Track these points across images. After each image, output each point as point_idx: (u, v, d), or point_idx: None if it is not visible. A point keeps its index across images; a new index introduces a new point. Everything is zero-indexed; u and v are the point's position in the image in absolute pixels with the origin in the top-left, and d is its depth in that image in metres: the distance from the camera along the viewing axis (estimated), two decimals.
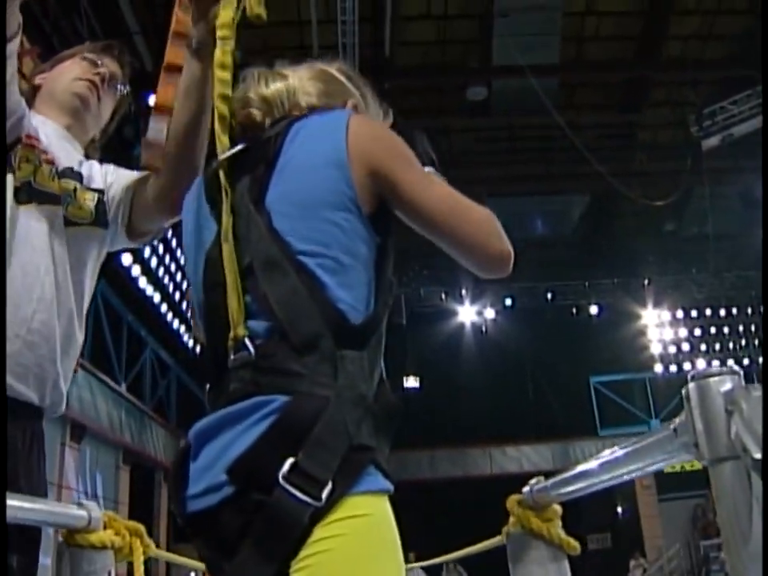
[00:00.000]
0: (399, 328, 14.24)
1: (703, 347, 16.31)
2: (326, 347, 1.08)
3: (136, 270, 9.72)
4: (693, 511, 15.63)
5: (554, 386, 16.09)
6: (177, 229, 1.41)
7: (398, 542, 1.08)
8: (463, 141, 13.64)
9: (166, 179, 1.55)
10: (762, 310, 15.81)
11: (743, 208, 13.64)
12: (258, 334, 1.12)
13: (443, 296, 15.78)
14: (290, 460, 1.01)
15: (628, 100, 13.39)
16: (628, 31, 12.21)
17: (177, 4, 1.52)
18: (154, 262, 10.13)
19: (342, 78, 1.39)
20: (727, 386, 0.86)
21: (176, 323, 11.46)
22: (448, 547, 4.86)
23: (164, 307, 10.80)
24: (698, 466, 0.91)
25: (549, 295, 15.92)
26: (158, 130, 1.37)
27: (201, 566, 1.20)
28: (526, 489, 1.63)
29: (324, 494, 1.00)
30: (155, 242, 9.27)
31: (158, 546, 2.10)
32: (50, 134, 1.69)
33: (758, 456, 0.77)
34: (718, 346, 16.31)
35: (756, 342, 16.16)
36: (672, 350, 16.27)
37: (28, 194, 1.57)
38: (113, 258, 2.13)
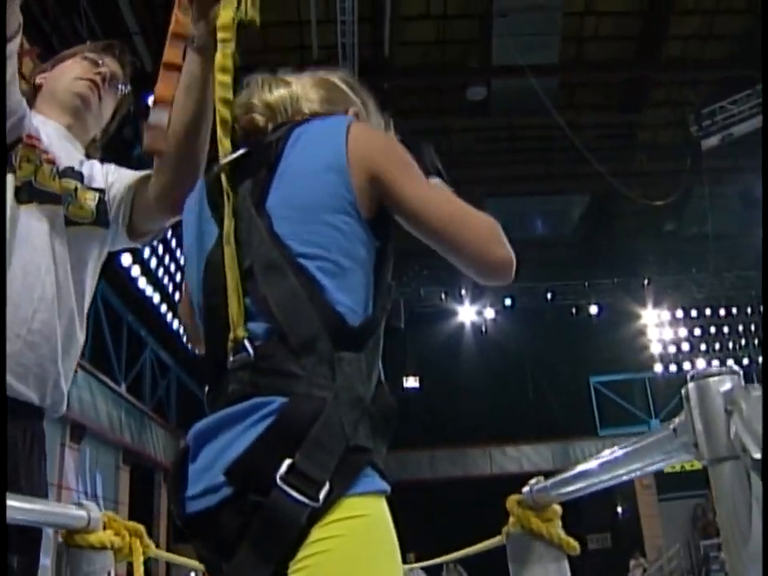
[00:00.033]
0: (399, 328, 14.24)
1: (703, 347, 16.32)
2: (323, 349, 1.09)
3: (136, 271, 9.72)
4: (693, 511, 15.63)
5: (553, 385, 16.10)
6: (176, 229, 1.41)
7: (396, 543, 1.08)
8: (463, 141, 13.65)
9: (167, 179, 1.55)
10: (761, 309, 15.81)
11: (743, 208, 13.65)
12: (257, 335, 1.12)
13: (443, 296, 15.78)
14: (288, 461, 1.01)
15: (628, 100, 13.40)
16: (628, 31, 12.22)
17: (176, 5, 1.52)
18: (153, 262, 10.14)
19: (344, 87, 1.40)
20: (727, 385, 0.86)
21: (176, 323, 11.45)
22: (448, 547, 4.86)
23: (164, 307, 10.80)
24: (697, 465, 0.91)
25: (549, 295, 15.93)
26: (158, 117, 1.37)
27: (201, 566, 1.20)
28: (525, 489, 1.63)
29: (321, 495, 1.01)
30: (155, 243, 9.27)
31: (157, 546, 2.10)
32: (51, 133, 1.69)
33: (758, 456, 0.77)
34: (717, 346, 16.32)
35: (756, 341, 16.17)
36: (672, 349, 16.28)
37: (29, 193, 1.57)
38: (112, 259, 2.13)
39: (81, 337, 1.65)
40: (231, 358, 1.13)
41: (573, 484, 1.44)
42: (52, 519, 1.53)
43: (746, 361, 16.00)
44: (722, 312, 16.27)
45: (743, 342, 16.33)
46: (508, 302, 15.82)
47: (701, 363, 15.49)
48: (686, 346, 16.32)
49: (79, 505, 1.63)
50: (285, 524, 1.01)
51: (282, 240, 1.14)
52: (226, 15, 1.28)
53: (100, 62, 1.80)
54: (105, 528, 1.69)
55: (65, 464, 8.34)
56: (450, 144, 13.40)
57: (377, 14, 10.89)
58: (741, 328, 16.33)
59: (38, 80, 1.80)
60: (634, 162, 13.37)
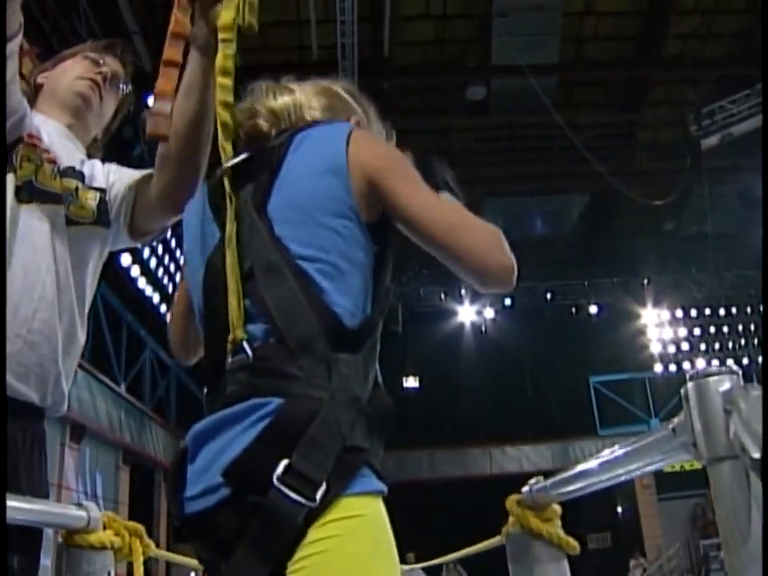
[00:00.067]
0: (396, 332, 14.22)
1: (702, 347, 16.33)
2: (321, 350, 1.09)
3: (135, 271, 9.73)
4: (692, 510, 15.64)
5: (553, 385, 16.10)
6: (176, 230, 1.41)
7: (393, 543, 1.09)
8: (462, 140, 13.66)
9: (168, 177, 1.55)
10: (761, 309, 15.82)
11: (742, 207, 13.65)
12: (255, 337, 1.13)
13: (443, 296, 15.78)
14: (284, 461, 1.02)
15: (627, 99, 13.41)
16: (627, 31, 12.23)
17: (176, 5, 1.51)
18: (153, 262, 10.15)
19: (346, 96, 1.42)
20: (726, 385, 0.86)
21: None
22: (448, 547, 4.86)
23: (163, 307, 10.79)
24: (697, 465, 0.91)
25: (548, 295, 15.92)
26: (161, 106, 1.37)
27: (200, 566, 1.20)
28: (525, 489, 1.63)
29: (318, 495, 1.01)
30: (154, 243, 9.27)
31: (157, 546, 2.10)
32: (52, 133, 1.69)
33: (757, 456, 0.77)
34: (717, 346, 16.33)
35: (755, 341, 16.17)
36: (671, 349, 16.28)
37: (29, 193, 1.57)
38: (112, 259, 2.12)
39: (81, 336, 1.65)
40: (230, 360, 1.14)
41: (572, 484, 1.44)
42: (52, 519, 1.53)
43: (745, 361, 16.01)
44: (722, 311, 16.28)
45: (743, 341, 16.33)
46: (508, 301, 15.82)
47: (700, 363, 15.51)
48: (685, 346, 16.32)
49: (79, 505, 1.63)
50: (282, 524, 1.01)
51: (283, 242, 1.15)
52: (227, 16, 1.28)
53: (101, 61, 1.80)
54: (105, 528, 1.68)
55: (65, 464, 8.34)
56: (450, 144, 13.41)
57: (376, 13, 10.89)
58: (740, 328, 16.34)
59: (39, 79, 1.80)
60: (634, 162, 13.38)
